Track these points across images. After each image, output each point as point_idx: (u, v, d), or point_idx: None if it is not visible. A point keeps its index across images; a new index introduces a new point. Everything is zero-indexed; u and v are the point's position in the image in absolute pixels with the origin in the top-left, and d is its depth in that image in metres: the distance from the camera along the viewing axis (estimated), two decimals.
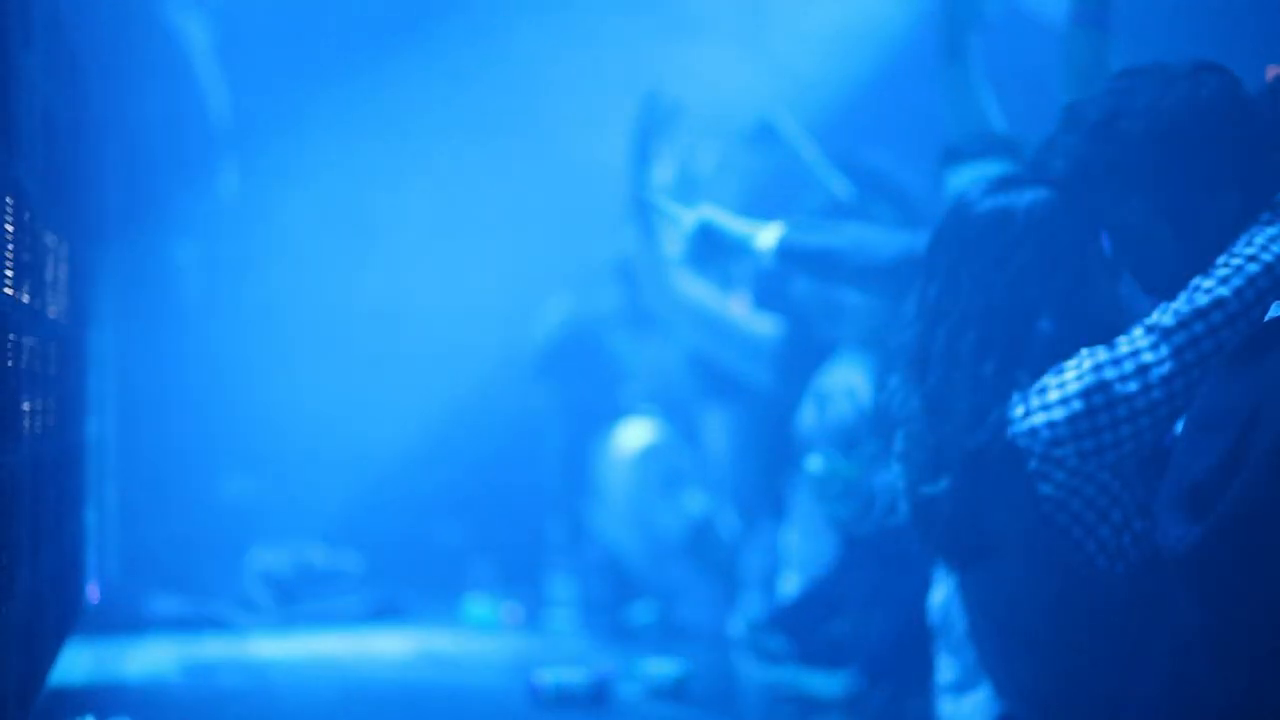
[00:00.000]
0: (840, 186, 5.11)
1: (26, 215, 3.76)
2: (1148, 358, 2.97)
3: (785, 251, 3.85)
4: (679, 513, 6.23)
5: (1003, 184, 3.19)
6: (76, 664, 5.34)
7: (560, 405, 7.21)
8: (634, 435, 6.46)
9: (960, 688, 3.73)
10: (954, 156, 4.15)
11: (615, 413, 6.64)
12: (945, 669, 3.78)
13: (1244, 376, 2.51)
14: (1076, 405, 2.99)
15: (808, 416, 4.96)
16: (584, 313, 7.06)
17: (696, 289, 5.49)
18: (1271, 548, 2.44)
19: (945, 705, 3.75)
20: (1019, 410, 3.03)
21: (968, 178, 3.84)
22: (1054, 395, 3.01)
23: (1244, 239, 3.00)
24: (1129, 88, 3.11)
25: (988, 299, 3.10)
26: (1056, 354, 3.06)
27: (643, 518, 6.35)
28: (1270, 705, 2.50)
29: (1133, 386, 2.96)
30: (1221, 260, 2.98)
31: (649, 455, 6.36)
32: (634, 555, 6.46)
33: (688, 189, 5.87)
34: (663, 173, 5.43)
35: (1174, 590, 2.64)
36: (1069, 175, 3.12)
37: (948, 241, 3.18)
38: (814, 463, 4.30)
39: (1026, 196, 3.14)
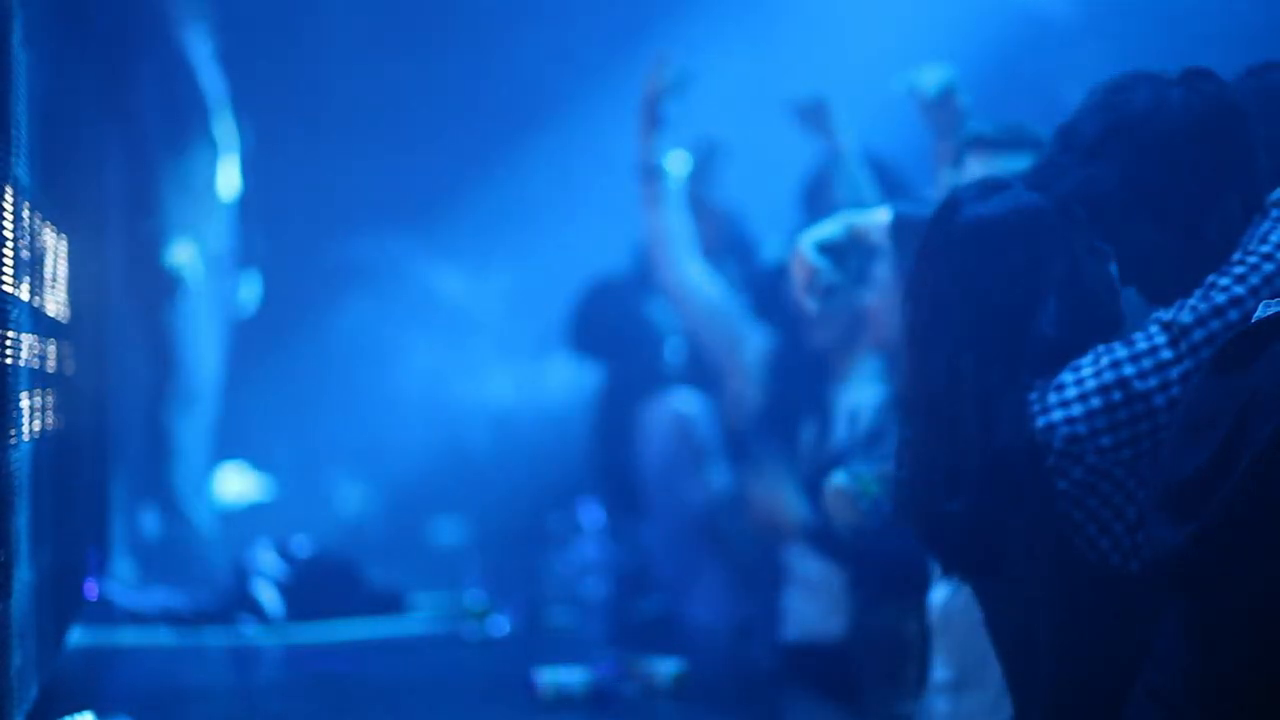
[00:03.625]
0: (868, 182, 5.07)
1: (25, 210, 3.76)
2: (1166, 355, 2.96)
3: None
4: (704, 488, 6.13)
5: (983, 190, 3.16)
6: (75, 659, 5.34)
7: (594, 377, 7.08)
8: (668, 406, 6.36)
9: (958, 687, 3.73)
10: (978, 145, 4.07)
11: (651, 384, 6.51)
12: (942, 667, 3.77)
13: (1232, 377, 2.50)
14: (1095, 402, 2.98)
15: (838, 430, 4.94)
16: (618, 280, 6.93)
17: (700, 273, 5.47)
18: (1259, 550, 2.43)
19: (940, 704, 3.75)
20: (1035, 408, 3.02)
21: (989, 169, 3.80)
22: (1072, 392, 3.00)
23: (1257, 236, 2.99)
24: (1122, 101, 3.09)
25: (981, 309, 3.07)
26: (1060, 353, 3.05)
27: (668, 493, 6.27)
28: (1256, 708, 2.49)
29: (1151, 383, 2.95)
30: (1237, 258, 2.97)
31: (681, 428, 6.24)
32: (654, 534, 6.40)
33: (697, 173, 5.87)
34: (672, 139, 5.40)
35: (1167, 590, 2.64)
36: (1070, 197, 3.09)
37: (933, 255, 3.14)
38: (840, 477, 4.28)
39: (1008, 200, 3.12)
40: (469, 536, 8.51)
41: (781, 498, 5.07)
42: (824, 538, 4.74)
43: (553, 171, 8.54)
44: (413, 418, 8.82)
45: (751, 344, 5.46)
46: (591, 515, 6.96)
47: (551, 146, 8.46)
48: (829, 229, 3.75)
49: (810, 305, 3.76)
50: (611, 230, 7.21)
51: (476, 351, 8.90)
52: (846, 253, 3.76)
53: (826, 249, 3.74)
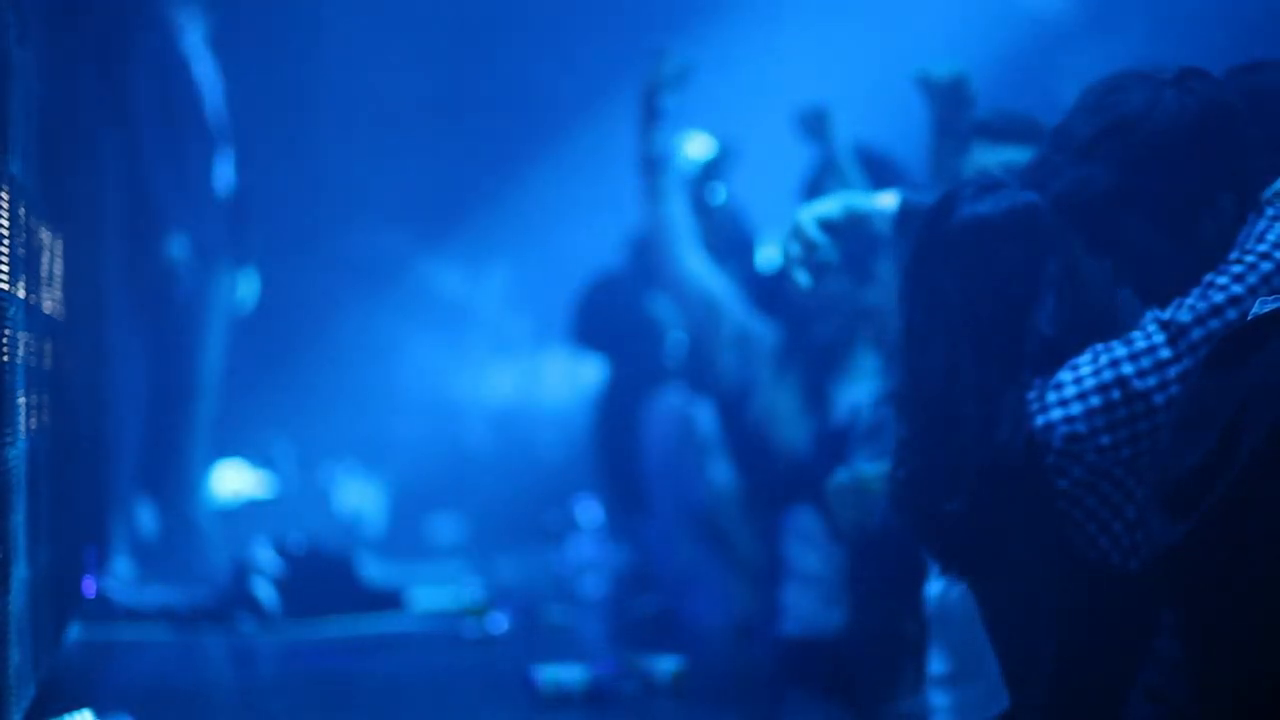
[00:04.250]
0: (861, 184, 5.05)
1: (22, 210, 3.75)
2: (1164, 354, 2.95)
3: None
4: (705, 485, 6.12)
5: (979, 189, 3.15)
6: (73, 656, 5.34)
7: (594, 373, 7.06)
8: (669, 402, 6.34)
9: (954, 680, 3.73)
10: (984, 132, 4.03)
11: (652, 379, 6.50)
12: (938, 660, 3.77)
13: (1228, 374, 2.50)
14: (1094, 401, 2.97)
15: (839, 425, 4.93)
16: (619, 276, 6.91)
17: (700, 265, 5.46)
18: (1257, 548, 2.43)
19: (937, 696, 3.75)
20: (1034, 407, 3.01)
21: (993, 160, 3.79)
22: (1070, 391, 2.99)
23: (1254, 235, 2.98)
24: (1116, 101, 3.08)
25: (979, 308, 3.07)
26: (1058, 352, 3.04)
27: (669, 489, 6.25)
28: (1254, 707, 2.49)
29: (1150, 382, 2.95)
30: (1234, 257, 2.97)
31: (682, 423, 6.23)
32: (654, 530, 6.39)
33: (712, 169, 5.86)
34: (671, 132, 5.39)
35: (1165, 588, 2.63)
36: (1064, 198, 3.08)
37: (930, 253, 3.14)
38: (842, 475, 4.26)
39: (1004, 199, 3.11)
40: (468, 534, 8.51)
41: (788, 418, 5.08)
42: (815, 488, 4.73)
43: (552, 168, 8.54)
44: (412, 414, 8.82)
45: (741, 325, 5.45)
46: (589, 513, 6.97)
47: (551, 143, 8.46)
48: (829, 206, 3.72)
49: (802, 280, 3.70)
50: (611, 226, 7.21)
51: (476, 348, 8.91)
52: (843, 233, 3.68)
53: (826, 226, 3.66)
